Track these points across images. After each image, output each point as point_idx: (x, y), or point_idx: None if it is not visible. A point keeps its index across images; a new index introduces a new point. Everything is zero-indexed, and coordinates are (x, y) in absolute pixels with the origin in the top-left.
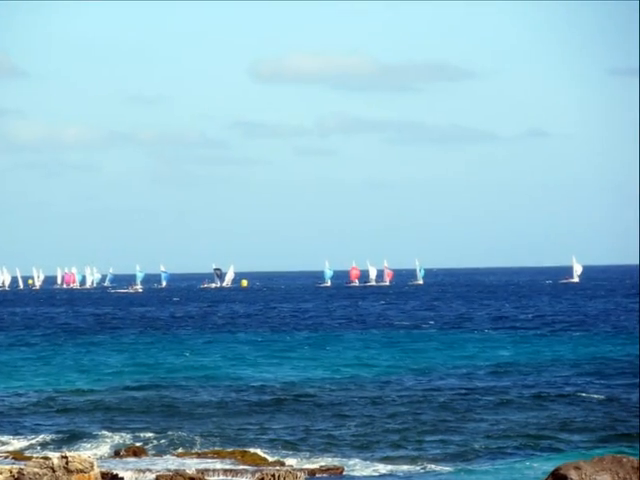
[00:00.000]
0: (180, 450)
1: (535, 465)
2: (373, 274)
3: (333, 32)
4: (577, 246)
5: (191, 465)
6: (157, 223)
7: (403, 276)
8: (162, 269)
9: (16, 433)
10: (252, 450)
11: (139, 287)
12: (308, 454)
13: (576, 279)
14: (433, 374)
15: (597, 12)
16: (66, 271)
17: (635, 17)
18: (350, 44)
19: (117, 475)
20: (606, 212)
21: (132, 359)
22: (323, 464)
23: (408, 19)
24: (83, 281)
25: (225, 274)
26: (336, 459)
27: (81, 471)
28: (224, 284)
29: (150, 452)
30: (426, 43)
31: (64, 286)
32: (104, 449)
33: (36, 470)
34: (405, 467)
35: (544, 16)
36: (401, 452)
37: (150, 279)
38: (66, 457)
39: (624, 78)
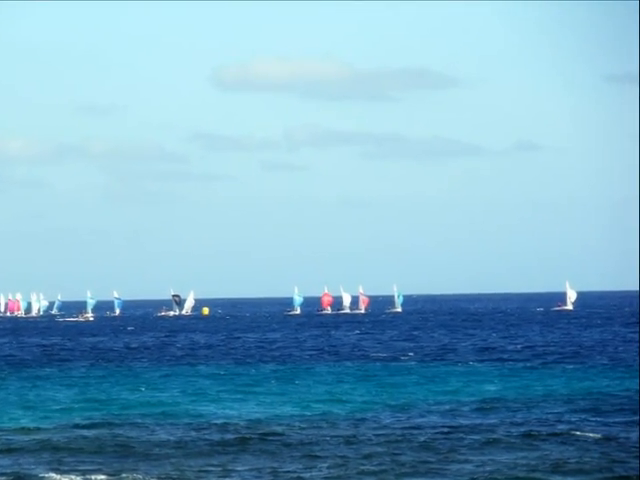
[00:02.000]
0: None
1: None
2: (347, 301)
3: (303, 35)
4: (571, 270)
5: None
6: (110, 244)
7: (380, 303)
8: (115, 295)
9: None
10: None
11: (90, 315)
12: None
13: (570, 306)
14: (413, 411)
15: (593, 13)
16: (10, 297)
17: (634, 18)
18: (322, 48)
19: None
20: (603, 233)
21: (82, 394)
22: None
23: (385, 21)
24: (29, 309)
25: (184, 301)
26: None
27: None
28: (183, 312)
29: None
30: (405, 47)
31: (7, 314)
32: None
33: None
34: None
35: (535, 18)
36: None
37: (102, 306)
38: None
39: (622, 85)
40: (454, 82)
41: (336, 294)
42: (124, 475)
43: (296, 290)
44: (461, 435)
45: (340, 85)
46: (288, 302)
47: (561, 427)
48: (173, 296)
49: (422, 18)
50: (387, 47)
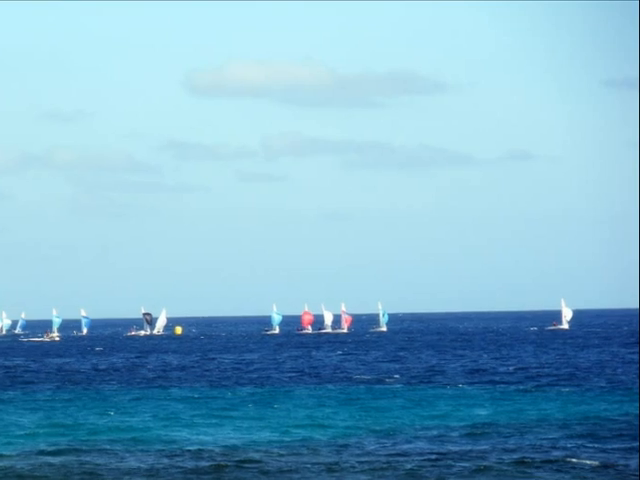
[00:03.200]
0: None
1: None
2: (329, 320)
3: (281, 38)
4: (566, 287)
5: None
6: (77, 260)
7: (363, 322)
8: (83, 314)
9: None
10: None
11: (56, 335)
12: None
13: (565, 325)
14: (398, 436)
15: (590, 13)
16: None
17: (634, 19)
18: (301, 52)
19: None
20: (600, 247)
21: (48, 419)
22: None
23: (368, 22)
24: None
25: (156, 320)
26: None
27: None
28: (155, 331)
29: None
30: (390, 50)
31: None
32: None
33: None
34: None
35: (528, 18)
36: None
37: (69, 325)
38: None
39: (621, 90)
40: (442, 87)
41: (317, 312)
42: None
43: (274, 308)
44: (450, 462)
45: (321, 91)
46: (266, 321)
47: (556, 454)
48: (144, 314)
49: (408, 19)
50: (371, 50)
